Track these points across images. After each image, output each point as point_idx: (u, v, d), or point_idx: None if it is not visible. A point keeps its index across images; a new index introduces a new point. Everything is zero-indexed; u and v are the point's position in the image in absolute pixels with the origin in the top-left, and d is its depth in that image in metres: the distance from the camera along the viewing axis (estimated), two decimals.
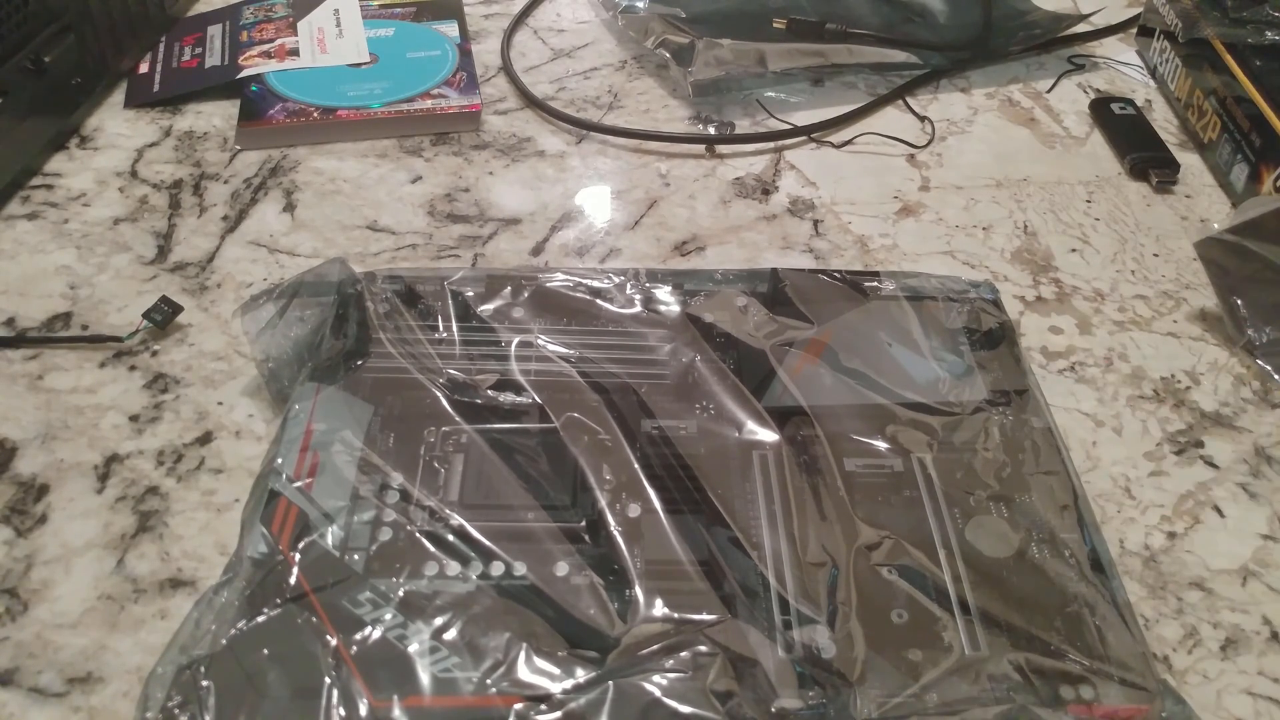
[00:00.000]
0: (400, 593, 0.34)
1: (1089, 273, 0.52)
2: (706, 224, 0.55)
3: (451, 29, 0.68)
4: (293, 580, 0.34)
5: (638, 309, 0.45)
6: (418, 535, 0.36)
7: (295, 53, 0.65)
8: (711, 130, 0.61)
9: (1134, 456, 0.43)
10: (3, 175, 0.54)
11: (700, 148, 0.60)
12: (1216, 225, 0.48)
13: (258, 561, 0.35)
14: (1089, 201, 0.57)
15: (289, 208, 0.55)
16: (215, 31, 0.67)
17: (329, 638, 0.33)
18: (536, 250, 0.53)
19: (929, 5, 0.71)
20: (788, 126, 0.61)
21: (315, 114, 0.60)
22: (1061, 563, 0.36)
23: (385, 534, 0.36)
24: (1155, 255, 0.53)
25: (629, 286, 0.46)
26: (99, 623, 0.36)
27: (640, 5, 0.67)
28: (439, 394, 0.41)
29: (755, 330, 0.45)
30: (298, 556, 0.35)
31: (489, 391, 0.41)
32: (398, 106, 0.60)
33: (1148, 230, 0.55)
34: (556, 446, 0.39)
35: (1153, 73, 0.68)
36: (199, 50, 0.66)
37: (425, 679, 0.32)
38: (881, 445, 0.40)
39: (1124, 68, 0.69)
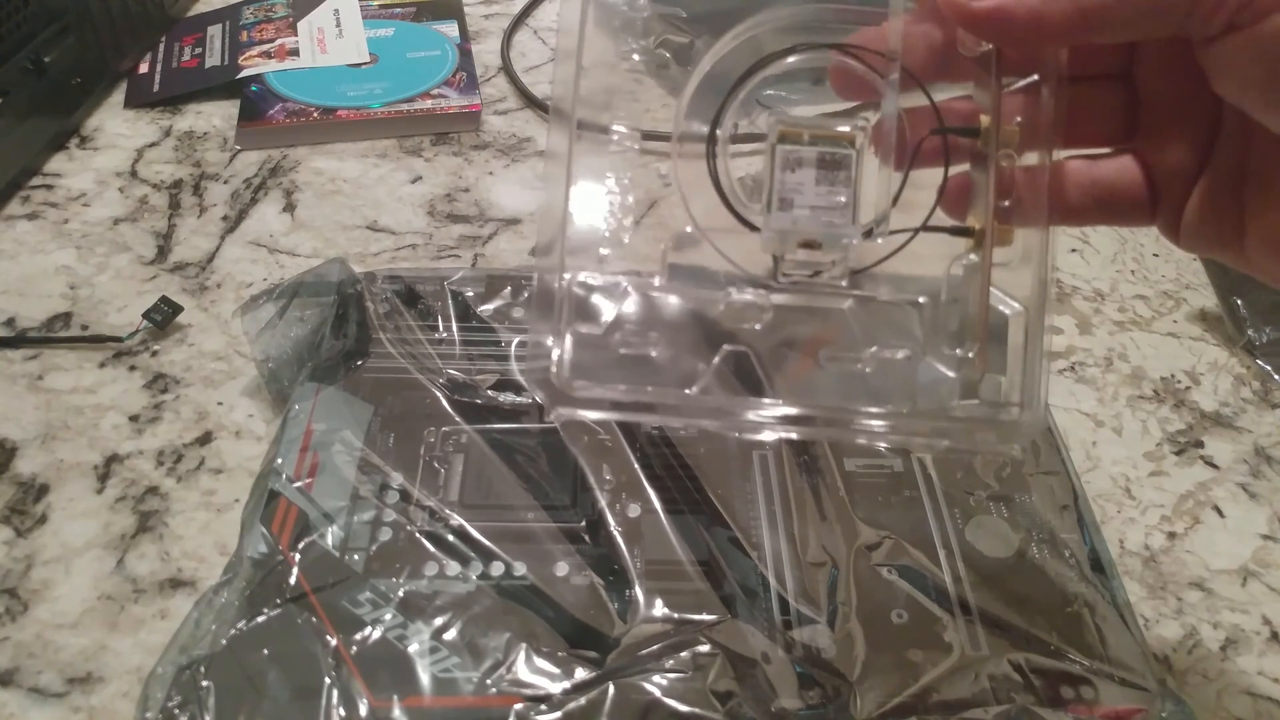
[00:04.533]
0: (400, 593, 0.34)
1: (1089, 273, 0.52)
2: None
3: (451, 29, 0.68)
4: (293, 580, 0.34)
5: None
6: (418, 535, 0.36)
7: (295, 53, 0.65)
8: None
9: (1134, 456, 0.43)
10: (3, 175, 0.54)
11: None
12: None
13: (258, 561, 0.35)
14: None
15: (289, 208, 0.55)
16: (215, 31, 0.67)
17: (329, 638, 0.33)
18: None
19: None
20: None
21: (315, 114, 0.60)
22: (1061, 563, 0.36)
23: (385, 534, 0.36)
24: (1155, 255, 0.53)
25: None
26: (99, 623, 0.36)
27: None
28: (439, 394, 0.41)
29: None
30: (298, 556, 0.35)
31: (489, 391, 0.41)
32: (398, 106, 0.60)
33: (1148, 230, 0.55)
34: (556, 446, 0.39)
35: None
36: (199, 50, 0.66)
37: (425, 679, 0.32)
38: (881, 445, 0.40)
39: None
